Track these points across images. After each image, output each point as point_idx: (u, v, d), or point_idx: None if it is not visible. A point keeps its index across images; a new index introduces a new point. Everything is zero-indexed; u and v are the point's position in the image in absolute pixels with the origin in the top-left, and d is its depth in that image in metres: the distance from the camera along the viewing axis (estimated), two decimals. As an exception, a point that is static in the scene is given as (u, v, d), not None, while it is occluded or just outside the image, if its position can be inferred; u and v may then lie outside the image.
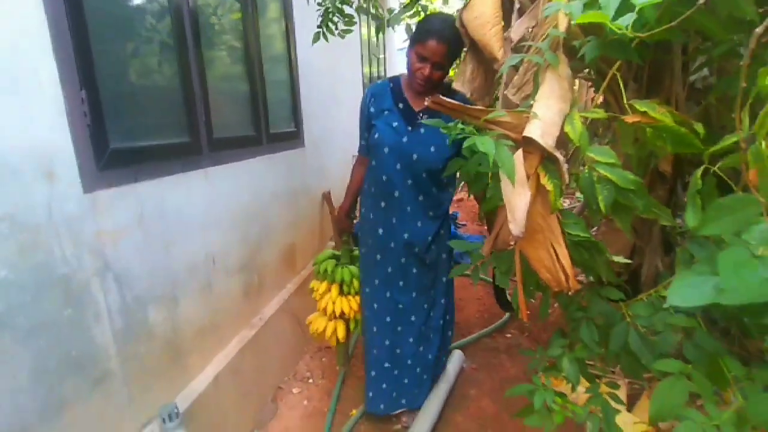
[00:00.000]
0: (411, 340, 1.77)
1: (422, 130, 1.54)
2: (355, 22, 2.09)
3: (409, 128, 1.56)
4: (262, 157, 2.14)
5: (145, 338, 1.32)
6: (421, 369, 1.83)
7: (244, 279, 1.95)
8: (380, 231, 1.69)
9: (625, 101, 0.87)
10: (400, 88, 1.62)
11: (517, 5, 1.30)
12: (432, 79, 1.47)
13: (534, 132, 0.90)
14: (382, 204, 1.65)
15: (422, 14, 2.87)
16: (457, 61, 1.65)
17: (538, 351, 1.21)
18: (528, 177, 0.95)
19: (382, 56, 5.78)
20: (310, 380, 2.22)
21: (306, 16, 2.46)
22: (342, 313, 1.91)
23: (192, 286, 1.56)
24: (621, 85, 0.88)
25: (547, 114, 0.93)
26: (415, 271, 1.71)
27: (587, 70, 1.42)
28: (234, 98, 1.98)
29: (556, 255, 0.95)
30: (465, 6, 1.39)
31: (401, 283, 1.73)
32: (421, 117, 1.54)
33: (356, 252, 1.98)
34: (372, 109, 1.63)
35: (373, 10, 2.20)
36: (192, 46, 1.55)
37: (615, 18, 0.77)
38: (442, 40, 1.39)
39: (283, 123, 2.48)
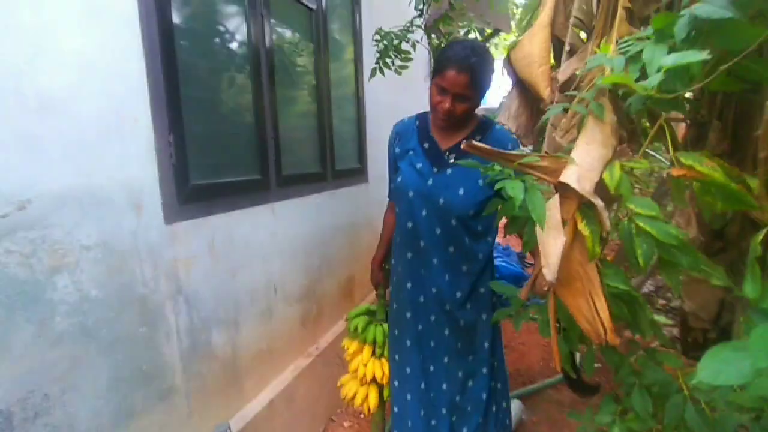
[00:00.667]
0: (444, 411, 1.54)
1: (449, 171, 1.40)
2: (412, 58, 2.18)
3: (435, 170, 1.42)
4: (327, 193, 2.28)
5: (208, 358, 1.44)
6: None
7: (303, 308, 2.06)
8: (409, 285, 1.53)
9: (672, 153, 0.83)
10: (427, 125, 1.48)
11: (567, 47, 1.29)
12: (454, 114, 1.33)
13: (570, 177, 0.89)
14: (409, 255, 1.51)
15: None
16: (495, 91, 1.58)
17: (586, 414, 1.13)
18: (565, 222, 0.93)
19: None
20: (362, 415, 2.22)
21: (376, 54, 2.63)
22: (374, 378, 1.70)
23: (253, 312, 1.68)
24: (669, 138, 0.84)
25: (586, 159, 0.91)
26: (447, 332, 1.51)
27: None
28: (303, 138, 2.15)
29: (595, 306, 0.91)
30: (513, 45, 1.41)
31: (432, 344, 1.53)
32: (448, 157, 1.41)
33: None
34: (397, 150, 1.52)
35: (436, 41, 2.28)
36: (266, 89, 1.74)
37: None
38: (463, 70, 1.25)
39: (349, 160, 2.63)
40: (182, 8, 1.34)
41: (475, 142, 0.93)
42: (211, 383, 1.46)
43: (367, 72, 2.68)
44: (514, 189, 0.85)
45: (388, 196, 1.65)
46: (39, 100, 0.96)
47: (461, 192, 1.37)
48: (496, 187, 0.89)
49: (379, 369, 1.69)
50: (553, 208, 0.93)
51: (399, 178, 1.48)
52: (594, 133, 0.96)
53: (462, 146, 0.98)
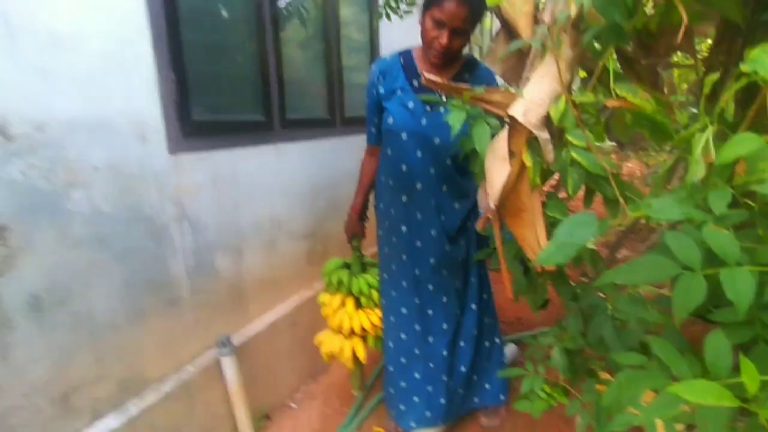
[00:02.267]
0: (445, 353, 1.58)
1: (442, 109, 1.35)
2: (415, 3, 2.15)
3: (428, 108, 1.38)
4: (335, 138, 2.37)
5: (212, 277, 1.63)
6: (456, 385, 1.65)
7: (309, 245, 2.21)
8: (404, 228, 1.52)
9: (612, 86, 0.86)
10: (413, 62, 1.43)
11: (552, -14, 1.27)
12: (451, 49, 1.28)
13: (516, 111, 0.93)
14: (404, 198, 1.48)
15: None
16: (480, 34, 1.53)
17: (537, 341, 1.22)
18: (513, 155, 0.98)
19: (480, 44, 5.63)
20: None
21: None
22: (362, 330, 1.69)
23: (257, 243, 1.85)
24: (611, 72, 0.86)
25: (535, 94, 0.94)
26: (445, 273, 1.54)
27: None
28: (310, 83, 2.23)
29: (538, 235, 0.97)
30: (502, -18, 1.39)
31: (430, 287, 1.55)
32: (440, 94, 1.34)
33: (367, 258, 1.82)
34: (381, 90, 1.44)
35: None
36: (270, 32, 1.80)
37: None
38: (464, 2, 1.20)
39: (360, 108, 2.68)
40: (183, -50, 1.42)
41: (429, 76, 0.97)
42: (215, 300, 1.66)
43: (383, 22, 2.66)
44: (453, 119, 0.90)
45: (368, 141, 1.61)
46: (50, 37, 1.09)
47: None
48: (445, 118, 0.95)
49: (366, 320, 1.69)
50: (501, 140, 0.98)
51: (390, 120, 1.42)
52: (550, 68, 0.98)
53: (422, 81, 1.02)
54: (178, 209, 1.47)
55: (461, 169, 1.44)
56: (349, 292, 1.71)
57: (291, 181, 2.03)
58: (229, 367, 1.60)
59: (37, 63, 1.07)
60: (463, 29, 1.27)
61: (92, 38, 1.18)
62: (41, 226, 1.10)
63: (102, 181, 1.23)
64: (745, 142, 0.60)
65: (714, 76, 0.78)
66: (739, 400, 0.39)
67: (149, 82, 1.34)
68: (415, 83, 1.42)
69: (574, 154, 0.87)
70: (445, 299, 1.57)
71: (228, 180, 1.66)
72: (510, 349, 2.27)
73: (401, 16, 2.15)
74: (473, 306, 1.60)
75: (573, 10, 1.00)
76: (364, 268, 1.78)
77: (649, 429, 0.60)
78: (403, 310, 1.60)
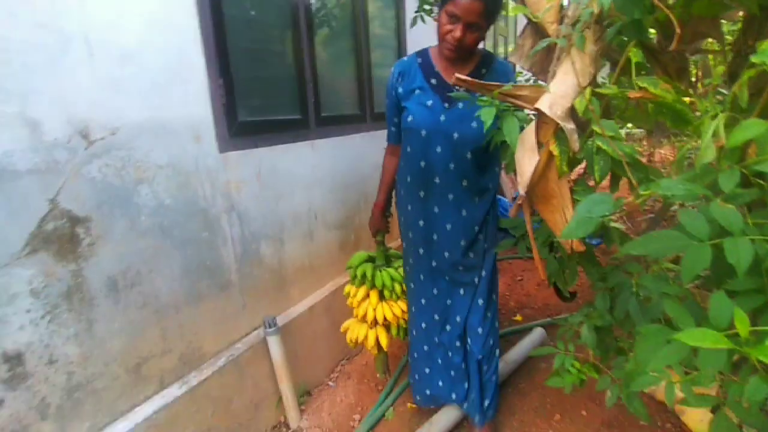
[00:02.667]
0: (458, 344, 1.65)
1: (460, 105, 1.37)
2: None
3: (446, 105, 1.41)
4: (365, 134, 2.47)
5: (257, 264, 1.77)
6: (467, 369, 1.67)
7: (342, 235, 2.34)
8: (421, 223, 1.56)
9: (634, 78, 0.92)
10: (430, 61, 1.46)
11: (576, -17, 1.32)
12: (464, 43, 1.29)
13: (543, 104, 1.00)
14: (421, 193, 1.52)
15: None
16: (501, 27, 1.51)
17: (568, 320, 1.29)
18: (541, 145, 1.06)
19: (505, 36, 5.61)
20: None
21: None
22: (385, 320, 1.79)
23: (296, 233, 1.98)
24: (632, 64, 0.93)
25: (561, 88, 1.02)
26: (461, 268, 1.58)
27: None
28: (342, 82, 2.34)
29: (567, 219, 1.05)
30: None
31: (447, 278, 1.60)
32: (458, 91, 1.35)
33: (392, 251, 1.91)
34: (400, 90, 1.48)
35: None
36: (305, 38, 1.93)
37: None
38: None
39: (389, 104, 2.78)
40: (228, -36, 1.54)
41: (461, 75, 1.06)
42: (261, 284, 1.80)
43: (408, 19, 2.74)
44: (485, 114, 0.99)
45: (388, 140, 1.65)
46: (121, 52, 1.24)
47: (474, 125, 1.37)
48: (477, 113, 1.03)
49: (389, 311, 1.78)
50: (529, 132, 1.06)
51: (410, 118, 1.45)
52: (574, 63, 1.05)
53: (452, 81, 1.11)
54: (228, 202, 1.61)
55: (481, 164, 1.47)
56: (373, 285, 1.79)
57: (325, 174, 2.15)
58: (275, 345, 1.74)
59: (112, 75, 1.21)
60: (477, 24, 1.28)
61: (154, 51, 1.32)
62: (115, 217, 1.26)
63: (164, 177, 1.37)
64: (753, 127, 0.67)
65: (721, 68, 0.84)
66: (733, 344, 0.47)
67: (201, 88, 1.47)
68: (433, 81, 1.44)
69: (599, 143, 0.94)
70: (462, 291, 1.61)
71: (270, 175, 1.79)
72: (537, 333, 2.35)
73: (435, 19, 2.22)
74: (480, 302, 1.60)
75: (595, 7, 1.07)
76: (388, 260, 1.87)
77: (661, 375, 0.67)
78: (423, 301, 1.67)
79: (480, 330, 1.61)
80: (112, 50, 1.21)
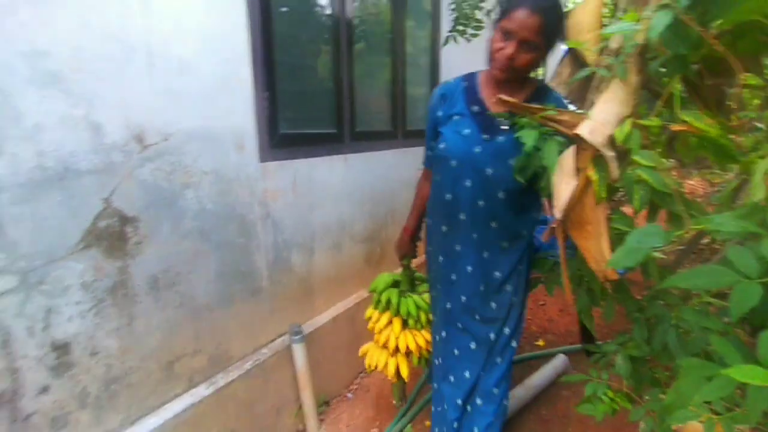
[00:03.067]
0: (459, 402, 1.46)
1: (500, 139, 1.23)
2: (484, 27, 2.27)
3: (485, 137, 1.25)
4: (396, 150, 2.51)
5: (287, 271, 1.82)
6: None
7: (368, 248, 2.37)
8: (440, 259, 1.43)
9: (678, 111, 0.93)
10: (475, 87, 1.32)
11: (620, 14, 1.34)
12: (516, 63, 1.15)
13: (583, 130, 1.02)
14: (443, 228, 1.39)
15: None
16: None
17: (602, 347, 1.28)
18: (579, 171, 1.07)
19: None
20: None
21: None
22: (407, 349, 1.67)
23: (325, 243, 2.02)
24: (677, 98, 0.94)
25: (601, 115, 1.03)
26: (477, 317, 1.40)
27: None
28: (376, 99, 2.40)
29: (602, 246, 1.05)
30: (567, 14, 1.49)
31: (459, 325, 1.44)
32: (500, 122, 1.23)
33: (417, 274, 1.79)
34: (440, 113, 1.36)
35: None
36: (345, 56, 2.00)
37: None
38: (536, 10, 1.09)
39: (421, 122, 2.82)
40: (279, -16, 1.63)
41: (504, 96, 1.08)
42: (289, 292, 1.84)
43: (444, 39, 2.80)
44: (527, 136, 1.01)
45: (424, 164, 1.53)
46: (179, 64, 1.31)
47: (512, 162, 1.20)
48: (516, 134, 1.05)
49: (413, 341, 1.67)
50: (567, 157, 1.08)
51: (442, 145, 1.32)
52: (616, 92, 1.06)
53: (492, 103, 1.12)
54: (264, 210, 1.66)
55: (516, 206, 1.30)
56: (397, 312, 1.68)
57: (355, 188, 2.20)
58: (299, 353, 1.77)
59: (168, 85, 1.29)
60: (533, 42, 1.14)
61: (208, 64, 1.40)
62: (161, 218, 1.32)
63: (208, 183, 1.44)
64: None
65: (756, 101, 0.84)
66: (782, 383, 0.47)
67: (248, 99, 1.54)
68: (475, 108, 1.30)
69: (640, 173, 0.95)
70: (473, 345, 1.43)
71: (304, 186, 1.85)
72: (560, 360, 2.31)
73: (469, 40, 2.27)
74: (498, 360, 1.43)
75: (640, 40, 1.08)
76: (413, 284, 1.76)
77: (699, 410, 0.67)
78: (443, 334, 1.51)
79: (496, 390, 1.43)
80: (170, 61, 1.29)
